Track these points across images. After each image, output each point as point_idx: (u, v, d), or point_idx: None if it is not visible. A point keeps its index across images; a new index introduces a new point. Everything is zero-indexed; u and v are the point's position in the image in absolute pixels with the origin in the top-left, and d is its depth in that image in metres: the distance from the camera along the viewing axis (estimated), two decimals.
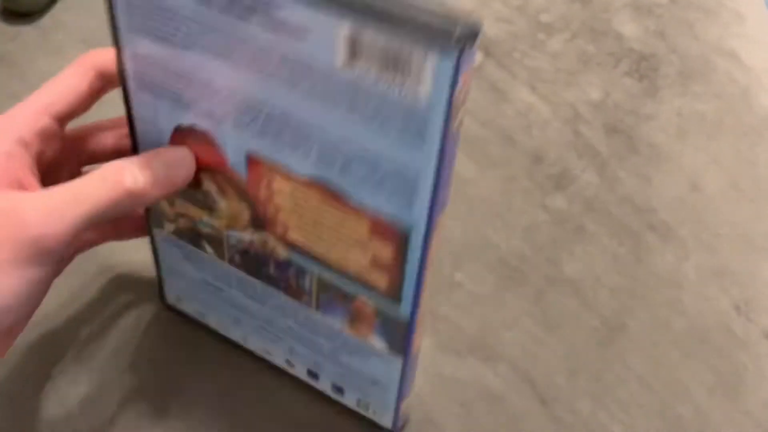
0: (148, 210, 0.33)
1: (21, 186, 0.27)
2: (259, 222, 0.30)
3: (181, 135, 0.29)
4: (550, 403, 0.39)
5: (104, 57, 0.30)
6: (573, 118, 0.47)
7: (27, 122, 0.29)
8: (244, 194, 0.29)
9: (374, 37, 0.21)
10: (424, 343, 0.40)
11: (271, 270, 0.32)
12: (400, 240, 0.27)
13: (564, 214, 0.43)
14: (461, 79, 0.21)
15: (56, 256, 0.25)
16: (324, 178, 0.27)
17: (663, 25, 0.51)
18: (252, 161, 0.28)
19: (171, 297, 0.38)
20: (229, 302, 0.35)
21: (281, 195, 0.28)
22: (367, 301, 0.30)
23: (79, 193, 0.26)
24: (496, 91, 0.49)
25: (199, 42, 0.25)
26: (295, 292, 0.32)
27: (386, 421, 0.35)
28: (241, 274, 0.33)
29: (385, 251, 0.28)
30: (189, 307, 0.37)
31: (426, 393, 0.38)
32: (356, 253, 0.29)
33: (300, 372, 0.35)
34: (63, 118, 0.30)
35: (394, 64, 0.22)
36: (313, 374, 0.35)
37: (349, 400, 0.35)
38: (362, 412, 0.35)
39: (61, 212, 0.25)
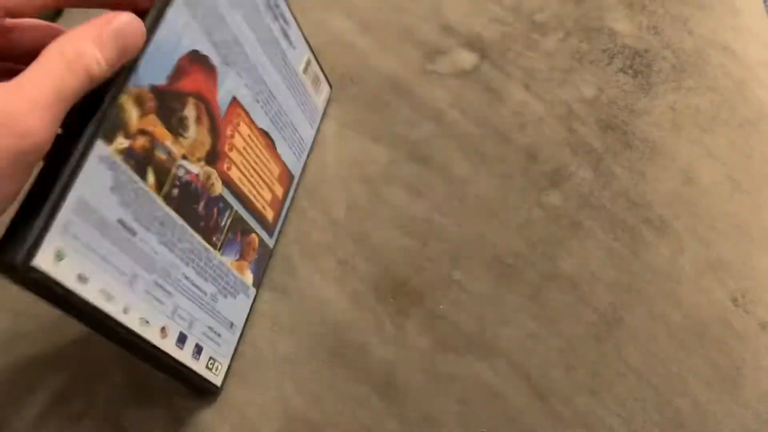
0: (100, 122, 0.28)
1: None
2: (212, 157, 0.35)
3: (192, 58, 0.32)
4: (548, 398, 0.39)
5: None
6: (567, 116, 0.47)
7: None
8: (215, 128, 0.35)
9: None
10: (421, 341, 0.40)
11: (200, 207, 0.35)
12: (290, 183, 0.44)
13: (559, 210, 0.44)
14: None
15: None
16: (269, 131, 0.41)
17: (656, 21, 0.51)
18: (233, 103, 0.37)
19: (46, 253, 0.26)
20: (132, 253, 0.31)
21: (239, 137, 0.38)
22: (255, 237, 0.41)
23: (57, 87, 0.24)
24: (490, 92, 0.49)
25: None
26: (210, 230, 0.36)
27: (219, 378, 0.39)
28: (167, 210, 0.32)
29: (280, 192, 0.43)
30: (68, 270, 0.27)
31: (424, 390, 0.39)
32: (265, 192, 0.41)
33: (171, 340, 0.35)
34: (12, 15, 0.27)
35: None
36: (182, 339, 0.35)
37: (201, 363, 0.37)
38: (208, 373, 0.38)
39: (50, 114, 0.23)
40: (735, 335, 0.40)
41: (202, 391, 0.38)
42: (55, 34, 0.29)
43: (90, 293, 0.28)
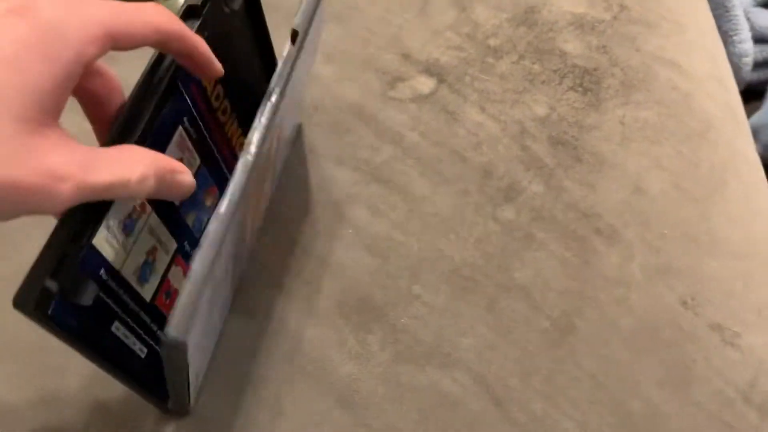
0: None
1: (56, 115, 0.25)
2: None
3: None
4: (505, 405, 0.40)
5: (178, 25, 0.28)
6: (520, 134, 0.50)
7: (98, 43, 0.25)
8: None
9: None
10: (383, 354, 0.42)
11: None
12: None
13: (513, 224, 0.45)
14: None
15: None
16: None
17: (605, 41, 0.54)
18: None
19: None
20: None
21: None
22: None
23: (111, 183, 0.25)
24: (447, 114, 0.51)
25: None
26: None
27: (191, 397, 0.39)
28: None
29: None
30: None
31: (386, 402, 0.40)
32: None
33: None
34: (114, 48, 0.26)
35: None
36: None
37: None
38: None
39: (80, 194, 0.24)
40: (685, 337, 0.42)
41: (170, 409, 0.39)
42: (114, 86, 0.30)
43: None
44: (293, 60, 0.34)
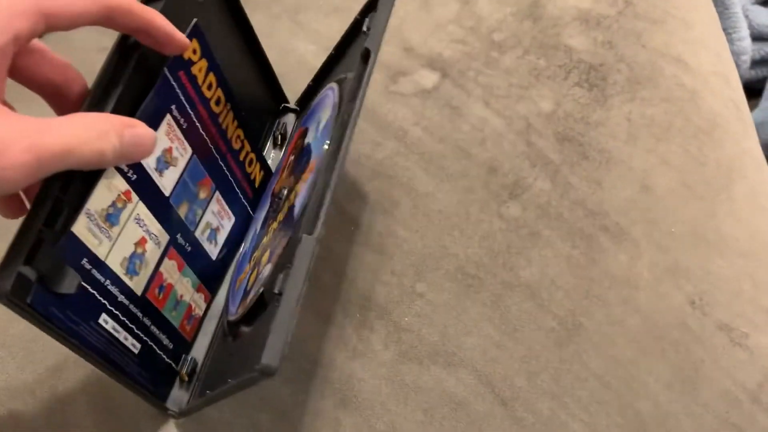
0: None
1: None
2: None
3: None
4: (511, 405, 0.40)
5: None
6: (525, 130, 0.49)
7: (26, 17, 0.25)
8: None
9: None
10: (387, 354, 0.41)
11: None
12: None
13: (518, 221, 0.45)
14: None
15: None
16: None
17: (611, 36, 0.53)
18: None
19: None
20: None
21: None
22: None
23: (69, 145, 0.24)
24: (451, 109, 0.50)
25: None
26: None
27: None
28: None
29: None
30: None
31: (390, 402, 0.39)
32: None
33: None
34: (51, 26, 0.26)
35: None
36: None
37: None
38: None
39: (37, 161, 0.24)
40: (693, 337, 0.41)
41: (168, 408, 0.39)
42: (72, 76, 0.30)
43: None
44: (366, 80, 0.33)
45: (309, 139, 0.41)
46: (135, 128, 0.27)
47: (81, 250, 0.29)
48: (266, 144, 0.49)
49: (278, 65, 0.47)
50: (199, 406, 0.35)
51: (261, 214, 0.44)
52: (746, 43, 1.01)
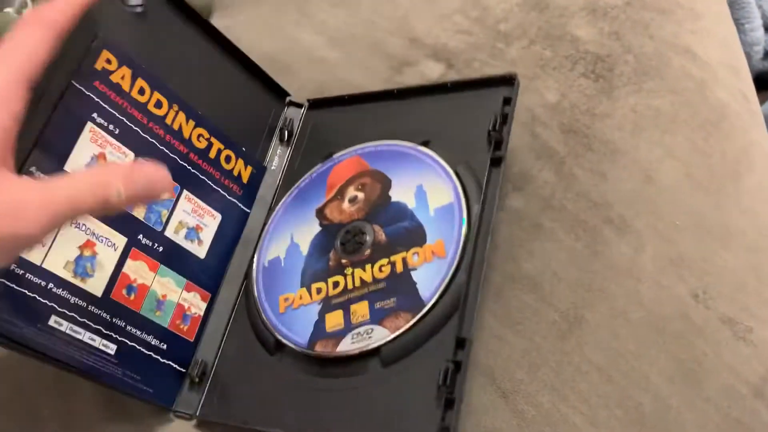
0: None
1: (5, 163, 0.27)
2: None
3: None
4: (512, 397, 0.40)
5: (52, 11, 0.30)
6: (531, 121, 0.49)
7: (14, 91, 0.28)
8: None
9: None
10: None
11: None
12: None
13: (521, 213, 0.45)
14: None
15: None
16: None
17: (618, 27, 0.52)
18: None
19: None
20: None
21: None
22: None
23: (72, 197, 0.27)
24: None
25: None
26: None
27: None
28: None
29: None
30: None
31: None
32: None
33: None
34: (34, 85, 0.29)
35: None
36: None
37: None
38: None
39: (51, 214, 0.26)
40: (696, 330, 0.41)
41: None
42: None
43: None
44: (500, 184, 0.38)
45: (401, 198, 0.41)
46: (144, 167, 0.29)
47: None
48: (271, 140, 0.49)
49: (284, 56, 0.47)
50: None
51: (293, 221, 0.43)
52: (759, 34, 1.00)
